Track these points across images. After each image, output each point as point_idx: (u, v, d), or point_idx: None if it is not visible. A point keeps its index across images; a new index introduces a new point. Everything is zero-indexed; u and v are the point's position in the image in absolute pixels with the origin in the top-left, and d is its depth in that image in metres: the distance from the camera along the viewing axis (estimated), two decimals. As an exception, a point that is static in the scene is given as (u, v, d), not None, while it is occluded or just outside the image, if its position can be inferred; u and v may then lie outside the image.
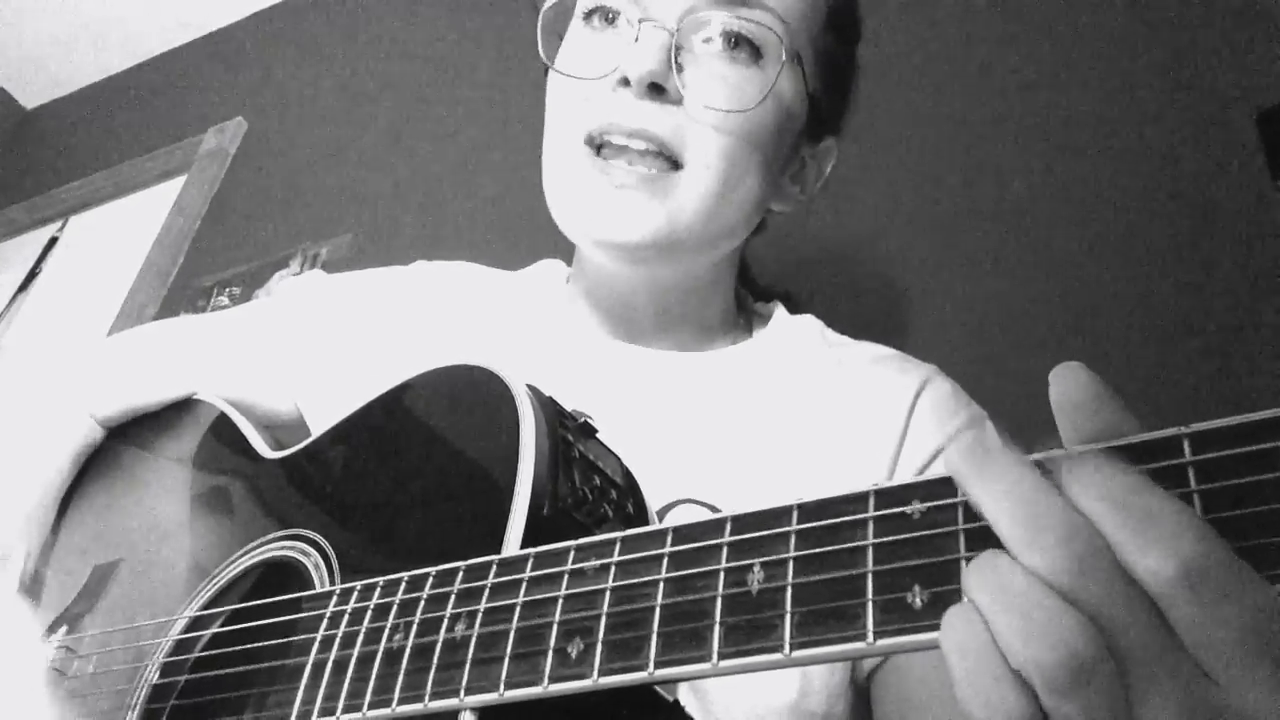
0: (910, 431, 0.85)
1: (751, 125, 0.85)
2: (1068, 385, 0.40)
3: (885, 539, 0.42)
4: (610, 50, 0.85)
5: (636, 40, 0.83)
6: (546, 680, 0.48)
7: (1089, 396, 0.40)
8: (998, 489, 0.38)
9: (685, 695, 0.58)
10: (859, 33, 0.99)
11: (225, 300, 2.06)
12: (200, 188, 2.31)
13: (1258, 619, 0.34)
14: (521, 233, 1.65)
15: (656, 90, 0.82)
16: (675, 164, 0.83)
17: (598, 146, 0.84)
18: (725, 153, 0.84)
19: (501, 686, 0.50)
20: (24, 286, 2.47)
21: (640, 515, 0.66)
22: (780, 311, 1.00)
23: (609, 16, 0.87)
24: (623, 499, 0.65)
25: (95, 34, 2.73)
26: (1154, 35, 1.24)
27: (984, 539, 0.39)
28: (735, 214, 0.87)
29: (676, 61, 0.83)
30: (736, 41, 0.84)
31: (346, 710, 0.56)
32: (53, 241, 2.54)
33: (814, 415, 0.87)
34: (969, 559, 0.39)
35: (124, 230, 2.40)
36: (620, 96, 0.83)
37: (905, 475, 0.83)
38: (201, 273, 2.16)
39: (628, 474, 0.68)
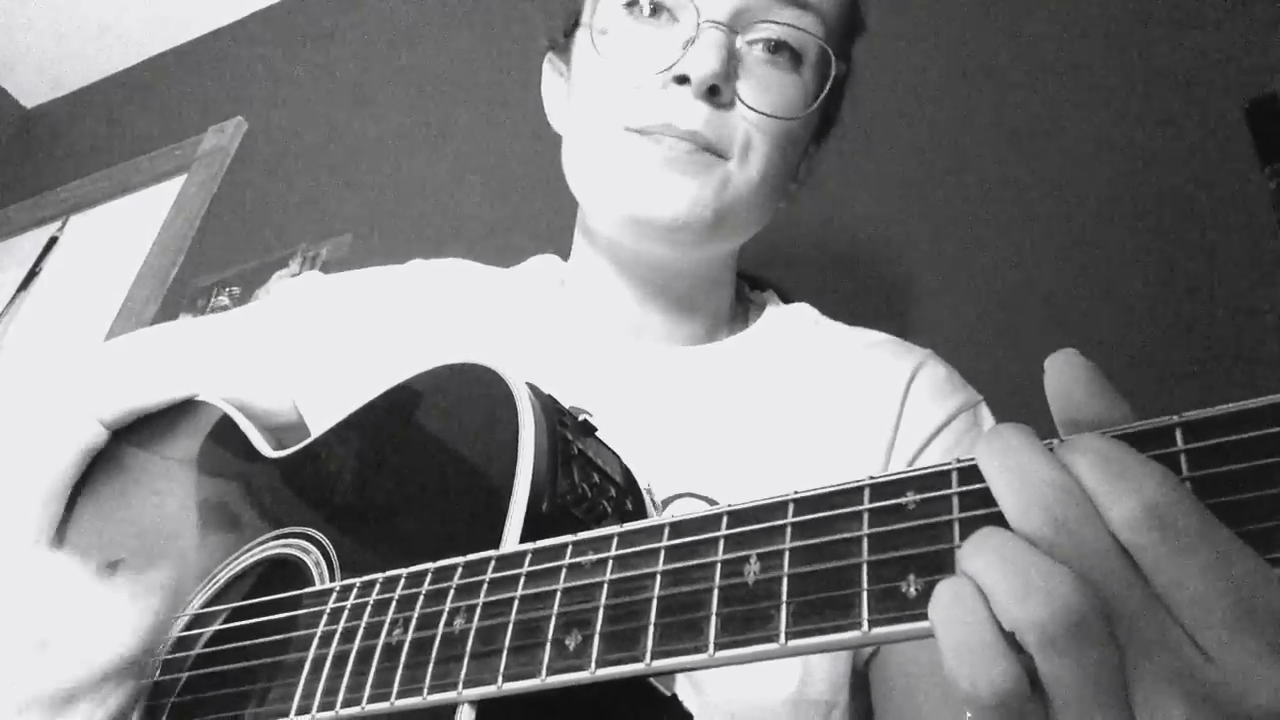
0: (905, 414, 0.85)
1: (791, 129, 0.87)
2: (1063, 372, 0.41)
3: (880, 529, 0.42)
4: (663, 45, 0.85)
5: (694, 39, 0.83)
6: (544, 672, 0.48)
7: (1084, 383, 0.40)
8: (997, 460, 0.39)
9: (684, 691, 0.58)
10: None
11: (225, 300, 2.06)
12: (200, 188, 2.31)
13: (1242, 587, 0.35)
14: (521, 231, 1.66)
15: (713, 93, 0.83)
16: (721, 156, 0.84)
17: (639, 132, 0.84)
18: (768, 151, 0.85)
19: (500, 679, 0.50)
20: (24, 286, 2.48)
21: (639, 512, 0.66)
22: (773, 300, 1.01)
23: (654, 9, 0.87)
24: (621, 496, 0.65)
25: (95, 34, 2.73)
26: (1144, 28, 1.25)
27: (978, 528, 0.39)
28: (764, 208, 0.90)
29: (732, 65, 0.83)
30: (778, 47, 0.85)
31: (346, 705, 0.56)
32: (53, 241, 2.54)
33: (810, 403, 0.87)
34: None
35: (124, 230, 2.40)
36: (673, 94, 0.83)
37: (901, 458, 0.84)
38: (201, 273, 2.16)
39: (627, 472, 0.68)
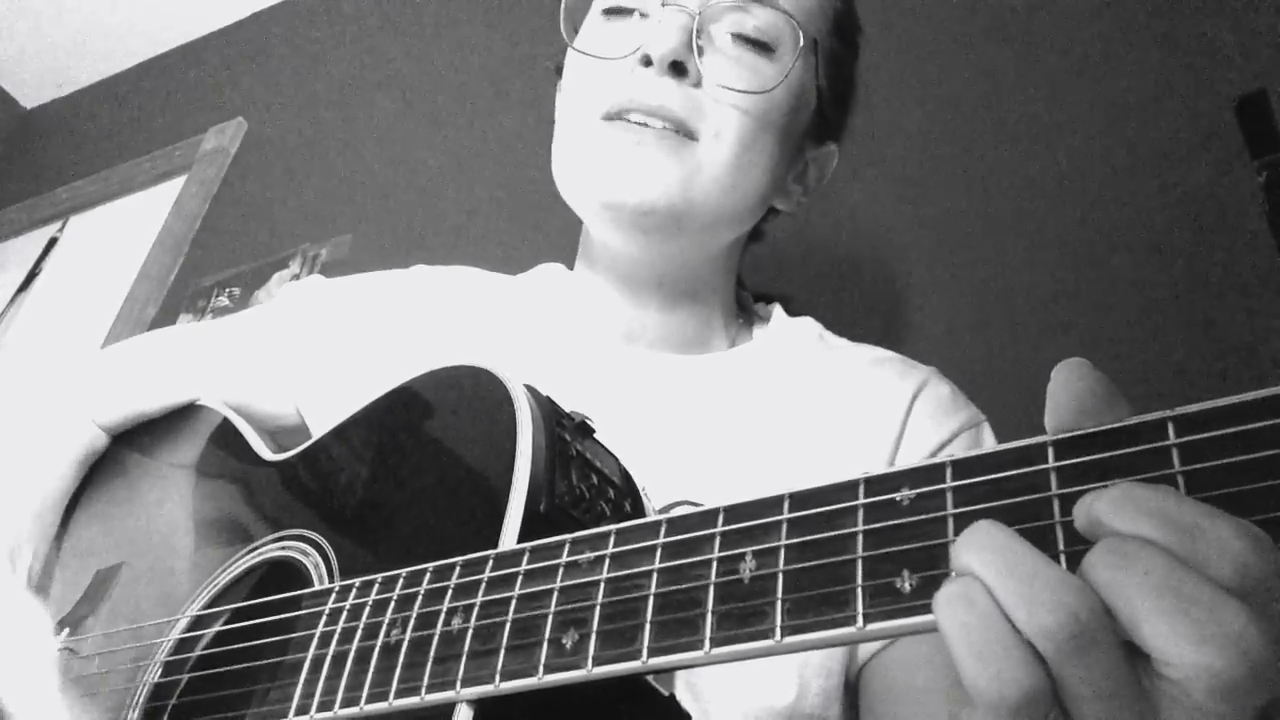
0: (907, 433, 0.85)
1: (766, 108, 0.87)
2: (1073, 383, 0.40)
3: (875, 525, 0.42)
4: (631, 34, 0.88)
5: (659, 22, 0.86)
6: (541, 670, 0.48)
7: (1099, 396, 0.40)
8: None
9: (683, 699, 0.58)
10: (858, 48, 1.02)
11: (225, 300, 2.06)
12: (200, 188, 2.31)
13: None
14: (521, 233, 1.66)
15: (677, 70, 0.85)
16: (691, 137, 0.85)
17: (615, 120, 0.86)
18: (740, 131, 0.86)
19: (497, 678, 0.50)
20: (24, 286, 2.48)
21: (638, 513, 0.66)
22: (779, 313, 1.00)
23: (628, 12, 0.90)
24: (620, 497, 0.65)
25: (95, 34, 2.73)
26: (1135, 27, 1.26)
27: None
28: (744, 197, 0.89)
29: (696, 44, 0.85)
30: (751, 33, 0.87)
31: (344, 704, 0.56)
32: (53, 242, 2.55)
33: (811, 417, 0.87)
34: (957, 543, 0.39)
35: (124, 230, 2.40)
36: (640, 75, 0.85)
37: None
38: (201, 273, 2.16)
39: (625, 473, 0.68)
